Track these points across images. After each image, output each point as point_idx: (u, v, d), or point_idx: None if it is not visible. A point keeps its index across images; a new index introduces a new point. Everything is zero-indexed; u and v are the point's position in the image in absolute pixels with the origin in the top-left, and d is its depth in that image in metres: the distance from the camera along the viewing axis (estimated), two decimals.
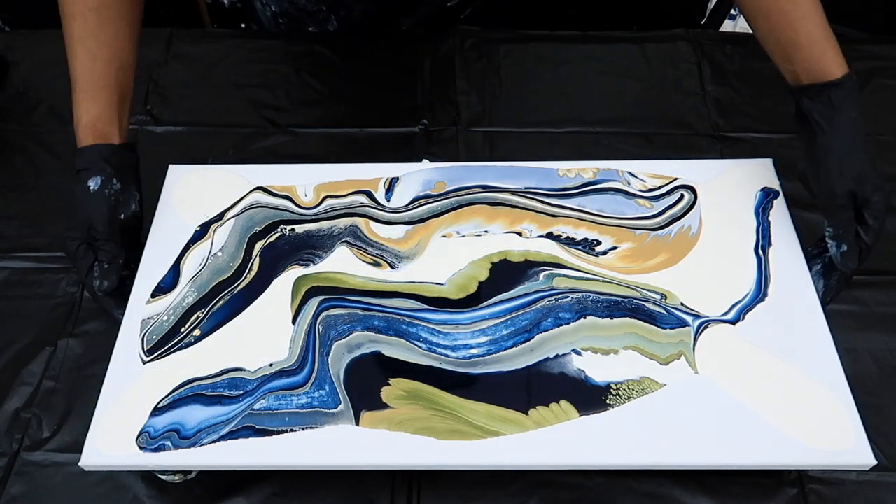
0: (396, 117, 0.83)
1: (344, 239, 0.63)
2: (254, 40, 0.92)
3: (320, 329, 0.58)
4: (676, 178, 0.66)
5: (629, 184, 0.66)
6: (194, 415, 0.54)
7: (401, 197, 0.66)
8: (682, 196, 0.65)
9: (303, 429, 0.54)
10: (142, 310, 0.60)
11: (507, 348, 0.57)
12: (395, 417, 0.54)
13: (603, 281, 0.60)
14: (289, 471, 0.60)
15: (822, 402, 0.54)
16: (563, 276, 0.60)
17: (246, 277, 0.61)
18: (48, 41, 0.90)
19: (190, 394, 0.55)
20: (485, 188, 0.66)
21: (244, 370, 0.56)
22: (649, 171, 0.67)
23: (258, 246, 0.63)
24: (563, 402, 0.54)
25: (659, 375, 0.55)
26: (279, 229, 0.64)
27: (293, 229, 0.64)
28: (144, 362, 0.57)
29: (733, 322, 0.58)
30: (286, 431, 0.53)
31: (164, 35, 0.89)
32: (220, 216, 0.65)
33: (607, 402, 0.54)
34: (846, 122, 0.57)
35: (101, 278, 0.60)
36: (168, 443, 0.53)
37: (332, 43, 0.90)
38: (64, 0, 0.63)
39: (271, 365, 0.57)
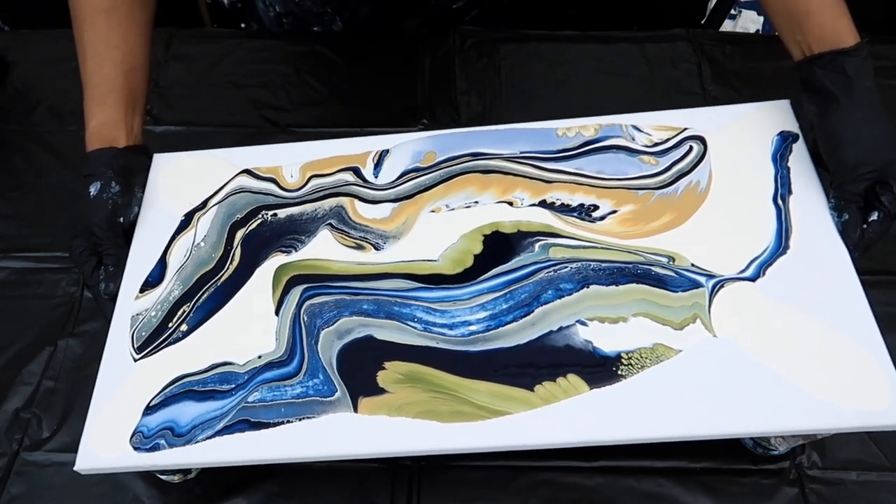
0: (396, 117, 0.83)
1: (328, 221, 0.61)
2: (254, 40, 0.92)
3: (305, 318, 0.56)
4: (685, 129, 0.62)
5: (633, 139, 0.62)
6: (187, 411, 0.53)
7: (389, 172, 0.63)
8: (690, 148, 0.61)
9: (300, 419, 0.52)
10: (131, 306, 0.58)
11: (506, 323, 0.54)
12: (393, 402, 0.52)
13: (602, 248, 0.56)
14: (289, 470, 0.60)
15: (854, 360, 0.50)
16: (559, 245, 0.57)
17: (228, 268, 0.60)
18: (48, 41, 0.90)
19: (181, 391, 0.54)
20: (476, 156, 0.63)
21: (233, 364, 0.55)
22: (655, 124, 0.63)
23: (239, 234, 0.61)
24: (571, 376, 0.51)
25: (673, 341, 0.52)
26: (260, 215, 0.62)
27: (275, 214, 0.62)
28: (135, 360, 0.56)
29: (753, 279, 0.54)
30: (282, 423, 0.52)
31: (163, 35, 0.90)
32: (204, 204, 0.63)
33: (619, 372, 0.51)
34: (863, 92, 0.54)
35: (107, 281, 0.59)
36: (162, 441, 0.52)
37: (332, 43, 0.90)
38: (74, 4, 0.63)
39: (260, 357, 0.55)
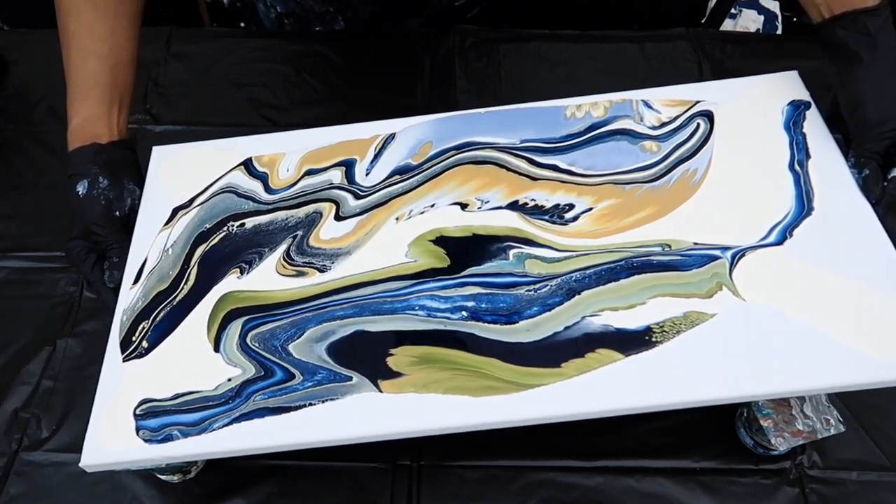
0: (396, 117, 0.83)
1: (295, 233, 0.58)
2: (254, 39, 0.92)
3: (256, 344, 0.52)
4: (696, 103, 0.61)
5: (642, 119, 0.60)
6: (188, 414, 0.50)
7: (382, 168, 0.61)
8: (697, 127, 0.60)
9: (323, 401, 0.48)
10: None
11: (489, 322, 0.51)
12: (418, 381, 0.48)
13: (579, 255, 0.54)
14: (288, 470, 0.60)
15: (889, 313, 0.50)
16: (535, 257, 0.54)
17: (183, 289, 0.56)
18: (48, 41, 0.89)
19: (161, 409, 0.49)
20: (464, 146, 0.61)
21: (201, 392, 0.50)
22: (666, 98, 0.62)
23: (199, 251, 0.58)
24: (601, 350, 0.49)
25: (705, 307, 0.50)
26: (226, 227, 0.59)
27: (242, 224, 0.59)
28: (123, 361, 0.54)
29: (779, 243, 0.53)
30: (305, 406, 0.48)
31: (163, 34, 0.89)
32: (191, 202, 0.61)
33: (653, 339, 0.49)
34: (885, 50, 0.55)
35: (111, 269, 0.58)
36: (175, 432, 0.48)
37: (331, 42, 0.90)
38: None
39: (230, 380, 0.50)
